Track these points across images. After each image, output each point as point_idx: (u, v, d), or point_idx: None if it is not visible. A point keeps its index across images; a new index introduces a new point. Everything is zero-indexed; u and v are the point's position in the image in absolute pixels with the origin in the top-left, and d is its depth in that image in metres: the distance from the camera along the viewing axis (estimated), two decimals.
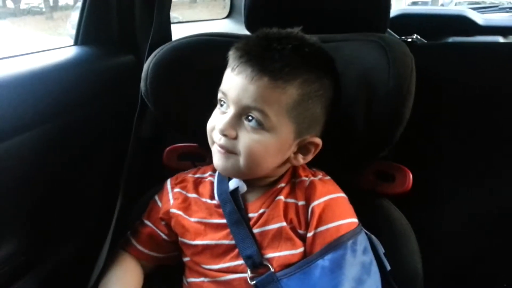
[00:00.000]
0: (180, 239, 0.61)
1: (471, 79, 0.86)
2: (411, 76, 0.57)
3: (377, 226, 0.59)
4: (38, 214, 0.68)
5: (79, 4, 0.85)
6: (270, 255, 0.55)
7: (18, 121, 0.62)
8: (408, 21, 1.46)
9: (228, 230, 0.57)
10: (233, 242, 0.56)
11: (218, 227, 0.58)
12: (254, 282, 0.54)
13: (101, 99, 0.79)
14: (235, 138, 0.53)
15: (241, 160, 0.53)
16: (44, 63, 0.71)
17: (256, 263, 0.54)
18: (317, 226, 0.54)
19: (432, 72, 0.80)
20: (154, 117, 0.72)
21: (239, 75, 0.52)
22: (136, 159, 0.68)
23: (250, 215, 0.57)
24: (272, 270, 0.54)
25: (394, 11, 1.54)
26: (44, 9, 1.62)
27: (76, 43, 0.85)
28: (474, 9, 1.72)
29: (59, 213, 0.71)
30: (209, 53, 0.66)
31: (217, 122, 0.54)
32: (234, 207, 0.57)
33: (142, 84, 0.66)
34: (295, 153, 0.56)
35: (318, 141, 0.56)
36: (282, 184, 0.58)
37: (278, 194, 0.57)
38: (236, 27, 1.46)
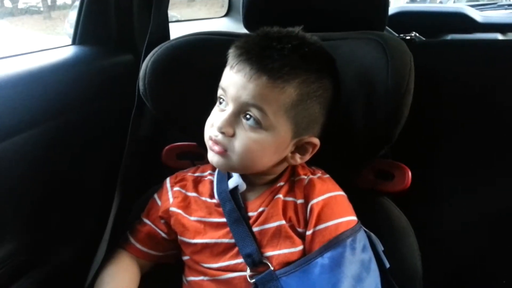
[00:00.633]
0: (179, 237, 0.61)
1: (470, 77, 0.86)
2: (409, 74, 0.57)
3: (376, 225, 0.59)
4: (38, 214, 0.68)
5: (77, 3, 0.85)
6: (269, 253, 0.55)
7: (17, 121, 0.62)
8: (406, 19, 1.45)
9: (227, 229, 0.57)
10: (232, 240, 0.56)
11: (217, 225, 0.58)
12: (253, 280, 0.54)
13: (99, 99, 0.78)
14: (232, 135, 0.53)
15: (236, 158, 0.53)
16: (42, 63, 0.71)
17: (256, 262, 0.54)
18: (316, 224, 0.54)
19: (431, 69, 0.81)
20: (152, 116, 0.72)
21: (238, 73, 0.52)
22: (135, 158, 0.68)
23: (250, 213, 0.57)
24: (272, 268, 0.54)
25: (393, 8, 1.53)
26: (42, 9, 1.61)
27: (74, 43, 0.85)
28: (472, 6, 1.72)
29: (59, 212, 0.71)
30: (207, 52, 0.66)
31: (215, 119, 0.54)
32: (234, 206, 0.57)
33: (140, 83, 0.65)
34: (293, 152, 0.56)
35: (316, 141, 0.56)
36: (281, 183, 0.58)
37: (277, 193, 0.57)
38: (234, 26, 1.45)
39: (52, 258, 0.70)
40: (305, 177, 0.57)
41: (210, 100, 0.57)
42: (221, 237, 0.57)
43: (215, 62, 0.56)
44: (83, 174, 0.76)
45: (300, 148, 0.56)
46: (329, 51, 0.59)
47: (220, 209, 0.58)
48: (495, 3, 1.98)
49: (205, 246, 0.58)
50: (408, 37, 0.99)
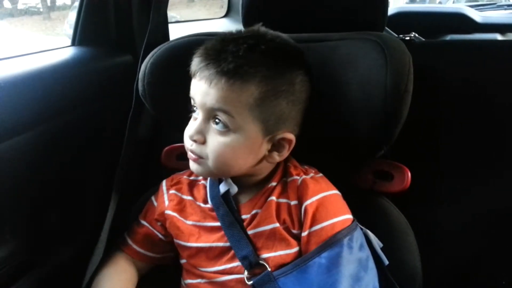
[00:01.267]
0: (175, 240, 0.61)
1: (469, 77, 0.86)
2: (409, 74, 0.57)
3: (376, 225, 0.59)
4: (38, 214, 0.68)
5: (77, 4, 0.85)
6: (265, 255, 0.55)
7: (16, 122, 0.61)
8: (406, 19, 1.45)
9: (222, 233, 0.57)
10: (227, 244, 0.56)
11: (212, 229, 0.58)
12: (251, 282, 0.54)
13: (99, 99, 0.78)
14: (204, 142, 0.54)
15: (210, 164, 0.54)
16: (42, 64, 0.71)
17: (253, 263, 0.54)
18: (311, 225, 0.54)
19: (430, 70, 0.81)
20: (152, 117, 0.72)
21: (201, 80, 0.53)
22: (133, 159, 0.68)
23: (243, 216, 0.57)
24: (269, 269, 0.54)
25: (392, 9, 1.53)
26: (41, 9, 1.61)
27: (73, 44, 0.85)
28: (472, 6, 1.72)
29: (59, 213, 0.71)
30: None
31: (188, 129, 0.56)
32: (227, 209, 0.57)
33: (139, 84, 0.65)
34: (270, 151, 0.56)
35: (291, 136, 0.55)
36: (273, 183, 0.58)
37: (270, 194, 0.57)
38: (234, 27, 1.44)
39: (52, 258, 0.70)
40: (298, 177, 0.57)
41: None
42: (216, 241, 0.57)
43: None
44: (82, 175, 0.76)
45: (276, 145, 0.56)
46: (328, 52, 0.58)
47: (214, 214, 0.58)
48: (495, 4, 1.98)
49: (200, 249, 0.58)
50: (407, 38, 1.00)
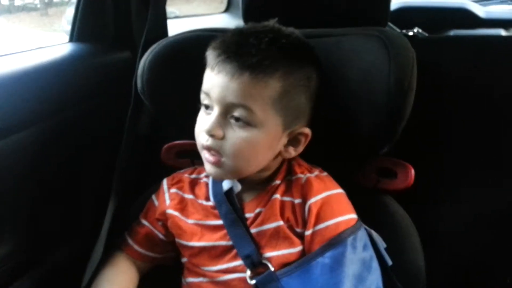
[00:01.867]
0: (177, 240, 0.60)
1: (473, 73, 0.85)
2: (412, 70, 0.56)
3: (379, 224, 0.58)
4: (36, 214, 0.67)
5: (74, 0, 0.84)
6: (268, 254, 0.54)
7: (14, 119, 0.61)
8: (409, 14, 1.44)
9: (224, 231, 0.56)
10: (230, 243, 0.56)
11: (215, 228, 0.57)
12: (254, 281, 0.53)
13: (97, 96, 0.78)
14: (223, 138, 0.52)
15: (230, 162, 0.52)
16: (39, 60, 0.71)
17: (255, 263, 0.54)
18: (315, 224, 0.53)
19: (433, 65, 0.79)
20: (151, 114, 0.71)
21: (220, 74, 0.51)
22: (132, 156, 0.68)
23: (247, 215, 0.56)
24: (272, 269, 0.53)
25: (395, 4, 1.52)
26: (39, 6, 1.61)
27: (71, 40, 0.84)
28: (475, 1, 1.70)
29: (57, 212, 0.71)
30: (206, 49, 0.65)
31: (203, 124, 0.53)
32: (230, 208, 0.56)
33: (138, 80, 0.65)
34: (286, 145, 0.55)
35: (307, 131, 0.56)
36: (277, 181, 0.57)
37: (274, 193, 0.56)
38: (234, 22, 1.44)
39: (51, 258, 0.70)
40: (302, 175, 0.57)
41: None
42: (218, 240, 0.56)
43: None
44: (81, 173, 0.76)
45: (292, 140, 0.56)
46: (331, 47, 0.57)
47: (217, 212, 0.57)
48: None
49: (203, 249, 0.57)
50: (410, 33, 0.98)
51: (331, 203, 0.54)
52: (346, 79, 0.58)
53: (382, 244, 0.56)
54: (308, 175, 0.57)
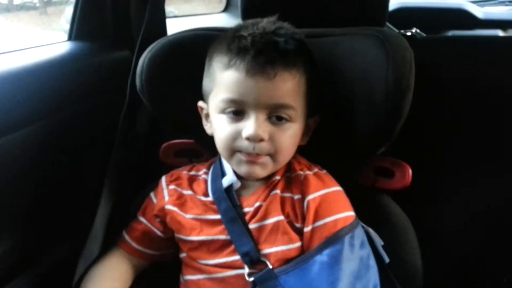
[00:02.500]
0: (176, 235, 0.60)
1: (471, 73, 0.85)
2: (410, 70, 0.57)
3: (377, 222, 0.58)
4: (34, 212, 0.67)
5: None
6: (267, 250, 0.54)
7: (12, 118, 0.61)
8: (407, 15, 1.44)
9: (223, 226, 0.56)
10: (229, 237, 0.56)
11: (213, 222, 0.58)
12: (252, 278, 0.53)
13: (96, 95, 0.78)
14: (268, 139, 0.52)
15: (276, 159, 0.53)
16: (38, 59, 0.70)
17: (254, 260, 0.54)
18: (314, 221, 0.53)
19: (431, 66, 0.80)
20: (149, 113, 0.71)
21: (256, 75, 0.49)
22: (128, 155, 0.68)
23: (246, 209, 0.57)
24: (270, 266, 0.53)
25: (393, 4, 1.52)
26: (38, 4, 1.60)
27: (70, 38, 0.84)
28: (473, 2, 1.71)
29: (56, 211, 0.71)
30: (205, 48, 0.65)
31: (238, 131, 0.52)
32: (230, 205, 0.56)
33: (137, 79, 0.65)
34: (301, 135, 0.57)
35: (318, 117, 0.58)
36: (277, 177, 0.57)
37: (274, 188, 0.57)
38: (233, 22, 1.43)
39: (48, 257, 0.69)
40: (302, 173, 0.57)
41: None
42: (218, 234, 0.57)
43: None
44: (79, 172, 0.76)
45: (305, 129, 0.57)
46: (329, 47, 0.58)
47: (215, 207, 0.58)
48: None
49: (202, 243, 0.57)
50: (409, 33, 0.99)
51: (329, 200, 0.55)
52: (345, 78, 0.59)
53: (379, 242, 0.56)
54: (307, 172, 0.57)
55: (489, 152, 0.85)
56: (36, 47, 0.77)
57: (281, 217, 0.54)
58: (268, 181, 0.57)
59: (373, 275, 0.53)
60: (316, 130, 0.60)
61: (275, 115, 0.52)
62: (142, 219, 0.63)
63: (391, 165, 0.64)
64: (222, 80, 0.53)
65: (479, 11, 1.52)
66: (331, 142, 0.62)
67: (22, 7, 1.51)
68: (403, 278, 0.57)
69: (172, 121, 0.69)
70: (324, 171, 0.59)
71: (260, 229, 0.55)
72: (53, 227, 0.71)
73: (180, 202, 0.60)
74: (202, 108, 0.61)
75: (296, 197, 0.55)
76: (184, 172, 0.64)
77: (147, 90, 0.64)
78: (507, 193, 0.83)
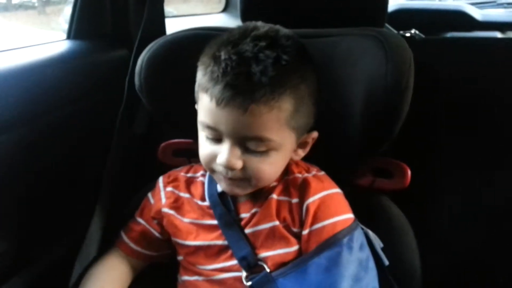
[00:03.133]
0: (173, 238, 0.60)
1: (469, 74, 0.86)
2: (409, 71, 0.56)
3: (375, 223, 0.58)
4: (31, 212, 0.67)
5: None
6: (264, 254, 0.54)
7: (9, 117, 0.60)
8: (406, 16, 1.45)
9: (220, 231, 0.56)
10: (226, 242, 0.55)
11: (210, 228, 0.57)
12: (250, 283, 0.53)
13: (95, 94, 0.77)
14: (242, 166, 0.50)
15: (253, 183, 0.52)
16: (36, 57, 0.70)
17: (251, 264, 0.54)
18: (312, 224, 0.53)
19: (430, 67, 0.80)
20: (148, 112, 0.71)
21: (227, 107, 0.47)
22: (125, 154, 0.67)
23: (242, 215, 0.56)
24: (268, 270, 0.53)
25: (392, 5, 1.52)
26: (36, 4, 1.60)
27: (69, 37, 0.84)
28: (472, 4, 1.71)
29: (53, 210, 0.70)
30: (204, 47, 0.65)
31: (214, 154, 0.51)
32: (225, 210, 0.56)
33: (136, 79, 0.64)
34: (295, 150, 0.56)
35: (315, 134, 0.56)
36: (275, 183, 0.57)
37: (270, 193, 0.56)
38: (232, 22, 1.44)
39: (45, 256, 0.69)
40: (300, 175, 0.56)
41: None
42: (214, 239, 0.56)
43: None
44: (77, 171, 0.75)
45: (301, 144, 0.56)
46: (327, 48, 0.57)
47: (212, 211, 0.57)
48: (495, 1, 1.96)
49: (198, 248, 0.57)
50: (408, 34, 0.99)
51: (328, 203, 0.54)
52: (344, 79, 0.58)
53: (378, 244, 0.56)
54: (306, 174, 0.57)
55: (488, 152, 0.85)
56: (34, 46, 0.77)
57: (276, 223, 0.54)
58: (265, 187, 0.56)
59: (372, 278, 0.53)
60: (314, 131, 0.59)
61: (249, 146, 0.49)
62: (140, 220, 0.63)
63: (390, 166, 0.64)
64: (202, 100, 0.52)
65: (478, 13, 1.53)
66: (330, 143, 0.62)
67: (21, 6, 1.50)
68: (402, 279, 0.57)
69: (171, 120, 0.69)
70: (323, 173, 0.59)
71: (256, 234, 0.55)
72: (50, 227, 0.70)
73: (177, 205, 0.60)
74: None
75: (294, 201, 0.55)
76: (181, 174, 0.64)
77: (145, 89, 0.64)
78: (506, 193, 0.83)
